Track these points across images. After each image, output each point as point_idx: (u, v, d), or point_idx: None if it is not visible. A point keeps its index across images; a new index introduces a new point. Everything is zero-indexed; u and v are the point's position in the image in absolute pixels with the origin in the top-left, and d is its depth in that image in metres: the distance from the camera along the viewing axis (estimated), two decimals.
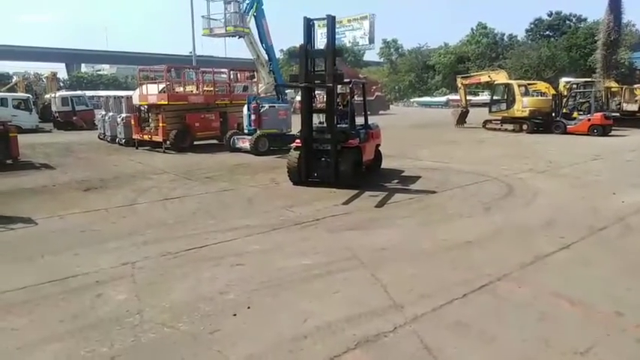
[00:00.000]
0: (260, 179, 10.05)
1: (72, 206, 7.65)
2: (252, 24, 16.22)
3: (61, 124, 25.14)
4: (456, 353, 3.32)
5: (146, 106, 15.78)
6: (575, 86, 21.08)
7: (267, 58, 16.61)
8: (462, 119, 23.94)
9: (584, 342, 3.42)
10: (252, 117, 14.12)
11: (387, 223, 6.62)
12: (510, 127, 20.91)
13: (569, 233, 5.93)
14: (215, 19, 16.94)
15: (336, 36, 9.23)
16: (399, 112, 42.06)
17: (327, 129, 8.98)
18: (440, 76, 58.56)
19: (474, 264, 4.95)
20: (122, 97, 18.12)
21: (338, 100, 9.38)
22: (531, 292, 4.26)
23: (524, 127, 20.40)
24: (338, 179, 8.76)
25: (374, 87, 41.62)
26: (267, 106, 14.61)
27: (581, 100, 20.29)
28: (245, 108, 14.66)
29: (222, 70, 18.47)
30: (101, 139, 18.56)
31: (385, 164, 11.06)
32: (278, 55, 23.72)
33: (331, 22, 8.77)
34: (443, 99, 49.95)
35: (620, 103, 23.13)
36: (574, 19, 55.00)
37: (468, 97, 25.94)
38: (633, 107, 22.59)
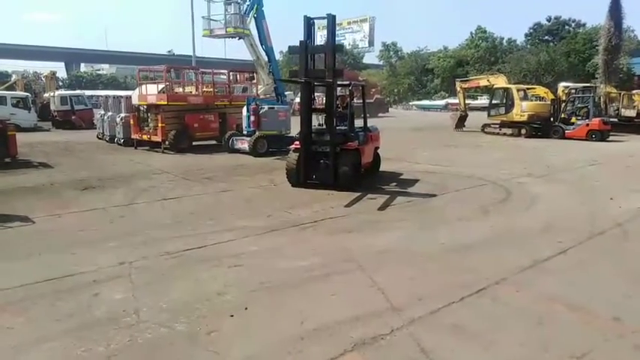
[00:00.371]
0: (259, 180, 10.05)
1: (70, 205, 7.65)
2: (252, 25, 16.23)
3: (60, 124, 25.11)
4: (452, 357, 3.31)
5: (145, 106, 15.76)
6: (573, 91, 21.12)
7: (266, 59, 16.61)
8: (460, 123, 23.98)
9: (582, 347, 3.42)
10: (252, 118, 14.13)
11: (386, 226, 6.62)
12: (509, 131, 20.95)
13: (567, 238, 5.94)
14: (215, 20, 16.95)
15: (336, 38, 9.22)
16: (398, 115, 42.11)
17: (327, 130, 8.98)
18: (439, 80, 58.62)
19: (472, 267, 4.95)
20: (121, 96, 18.11)
21: (337, 103, 9.39)
22: (529, 297, 4.25)
23: (523, 131, 20.44)
24: (337, 181, 8.76)
25: (373, 89, 41.73)
26: (266, 107, 14.62)
27: (579, 105, 20.33)
28: (244, 109, 14.67)
29: (222, 71, 18.47)
30: (100, 138, 18.54)
31: (384, 167, 11.06)
32: (278, 56, 23.72)
33: (331, 20, 8.76)
34: (442, 102, 50.00)
35: (618, 109, 23.20)
36: (573, 25, 55.21)
37: (467, 101, 25.98)
38: (631, 113, 22.66)
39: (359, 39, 74.51)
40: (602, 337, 3.58)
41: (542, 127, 20.24)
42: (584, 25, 53.56)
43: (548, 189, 9.25)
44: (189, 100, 15.75)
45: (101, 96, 25.69)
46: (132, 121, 15.97)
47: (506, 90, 21.74)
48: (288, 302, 4.12)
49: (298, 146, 9.06)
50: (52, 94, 27.00)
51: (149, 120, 15.71)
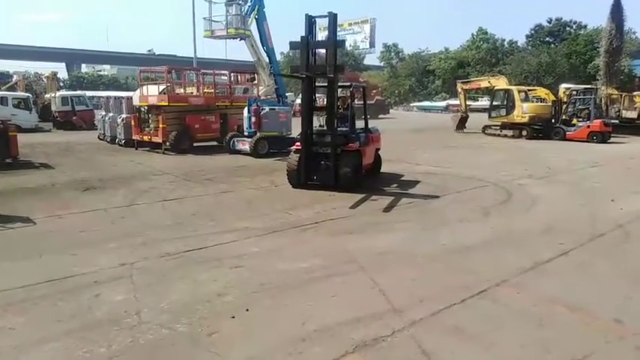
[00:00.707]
0: (259, 182, 10.05)
1: (71, 206, 7.65)
2: (253, 26, 16.24)
3: (61, 124, 25.13)
4: (453, 358, 3.31)
5: (146, 107, 15.77)
6: (574, 93, 21.12)
7: (267, 60, 16.62)
8: (461, 124, 23.97)
9: (583, 349, 3.42)
10: (253, 119, 14.14)
11: (387, 228, 6.62)
12: (510, 132, 20.94)
13: (568, 239, 5.94)
14: (216, 21, 16.96)
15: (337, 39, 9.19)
16: (399, 116, 42.11)
17: (328, 131, 8.97)
18: (440, 81, 58.69)
19: (473, 269, 4.95)
20: (122, 97, 18.14)
21: (338, 104, 9.39)
22: (530, 298, 4.25)
23: (524, 132, 20.44)
24: (337, 183, 8.76)
25: (374, 91, 41.79)
26: (267, 108, 14.64)
27: (580, 107, 20.33)
28: (245, 110, 14.67)
29: (223, 72, 18.49)
30: (101, 139, 18.56)
31: (385, 168, 11.07)
32: (279, 57, 23.74)
33: (332, 19, 8.73)
34: (443, 104, 50.05)
35: (619, 111, 23.20)
36: (574, 26, 55.26)
37: (468, 103, 25.98)
38: (632, 114, 22.65)
39: (360, 40, 74.61)
40: (603, 338, 3.58)
41: (543, 128, 20.24)
42: (585, 26, 53.66)
43: (549, 190, 9.25)
44: (190, 101, 15.77)
45: (102, 97, 25.76)
46: (133, 122, 15.98)
47: (507, 91, 21.74)
48: (289, 303, 4.12)
49: (299, 147, 9.06)
50: (53, 94, 27.04)
51: (150, 121, 15.72)
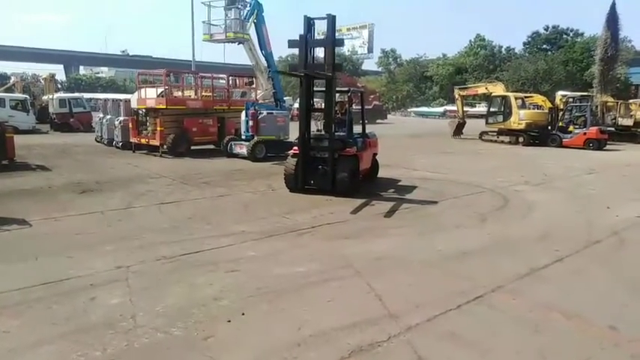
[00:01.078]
0: (257, 185, 10.05)
1: (67, 208, 7.63)
2: (252, 30, 16.29)
3: (58, 126, 25.07)
4: None
5: (144, 110, 15.76)
6: (571, 100, 21.26)
7: (266, 64, 16.66)
8: (458, 130, 24.06)
9: (578, 355, 3.43)
10: (250, 123, 14.14)
11: (383, 233, 6.63)
12: (507, 139, 21.05)
13: (564, 246, 5.96)
14: (215, 25, 17.01)
15: (335, 50, 9.17)
16: (397, 121, 42.20)
17: (325, 135, 8.98)
18: (437, 87, 58.88)
19: (469, 275, 4.96)
20: (120, 100, 18.12)
21: (336, 109, 9.40)
22: (526, 305, 4.26)
23: (521, 139, 20.54)
24: (334, 187, 8.77)
25: (372, 96, 41.80)
26: (265, 112, 14.64)
27: (577, 114, 20.47)
28: (243, 114, 14.68)
29: (221, 75, 18.51)
30: (98, 141, 18.52)
31: (382, 173, 11.08)
32: (277, 62, 23.77)
33: (331, 20, 8.73)
34: (440, 109, 50.16)
35: (615, 118, 23.35)
36: (571, 34, 55.67)
37: (465, 109, 26.09)
38: (628, 122, 22.80)
39: (358, 45, 74.71)
40: (599, 345, 3.59)
41: (539, 135, 20.34)
42: (582, 34, 54.08)
43: (545, 197, 9.28)
44: (188, 105, 15.75)
45: (100, 99, 25.68)
46: (130, 125, 15.95)
47: (504, 98, 21.85)
48: (285, 308, 4.12)
49: (297, 151, 9.07)
50: (50, 96, 26.99)
51: (148, 124, 15.70)
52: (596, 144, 18.76)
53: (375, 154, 10.72)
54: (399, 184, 10.50)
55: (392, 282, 4.74)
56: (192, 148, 15.58)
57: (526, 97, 23.55)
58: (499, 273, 4.99)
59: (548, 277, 4.97)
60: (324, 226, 6.81)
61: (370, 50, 74.31)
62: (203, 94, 16.51)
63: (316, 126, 9.67)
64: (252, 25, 16.15)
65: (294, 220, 7.15)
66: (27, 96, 26.37)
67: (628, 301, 4.40)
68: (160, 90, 15.22)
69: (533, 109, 21.92)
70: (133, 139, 15.89)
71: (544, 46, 56.33)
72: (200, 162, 13.78)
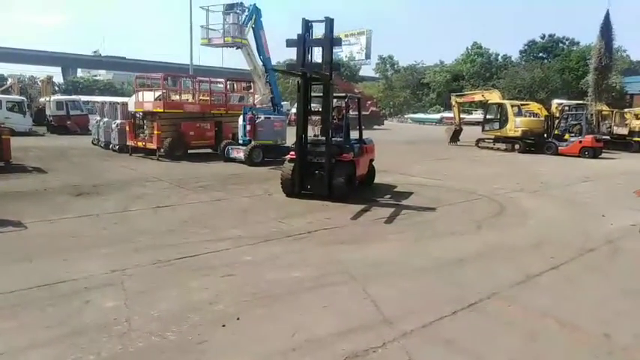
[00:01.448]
0: (253, 190, 10.05)
1: (63, 211, 7.61)
2: (250, 35, 16.35)
3: (55, 128, 25.06)
4: None
5: (141, 113, 15.76)
6: (567, 108, 21.42)
7: (263, 69, 16.71)
8: (455, 137, 24.17)
9: None
10: (248, 127, 14.16)
11: (379, 238, 6.64)
12: (503, 146, 21.16)
13: (559, 254, 5.98)
14: (214, 30, 17.06)
15: (333, 50, 9.17)
16: (394, 127, 42.33)
17: (322, 141, 8.99)
18: (434, 94, 59.20)
19: (464, 281, 4.97)
20: (118, 103, 18.15)
21: (333, 114, 9.43)
22: (521, 312, 4.28)
23: (517, 146, 20.66)
24: (331, 193, 8.78)
25: (369, 102, 41.95)
26: (262, 117, 14.67)
27: (572, 122, 20.59)
28: (240, 118, 14.70)
29: (219, 79, 18.54)
30: (95, 144, 18.51)
31: (378, 179, 11.11)
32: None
33: (329, 23, 8.73)
34: (437, 116, 50.43)
35: (610, 127, 23.54)
36: (567, 43, 56.15)
37: (462, 116, 26.22)
38: (623, 131, 23.00)
39: (356, 51, 75.02)
40: (592, 353, 3.61)
41: (535, 142, 20.47)
42: (577, 43, 54.58)
43: (540, 204, 9.32)
44: (185, 108, 15.78)
45: (97, 102, 25.70)
46: (127, 128, 15.96)
47: (500, 105, 22.01)
48: (280, 313, 4.12)
49: (293, 156, 9.08)
50: (47, 98, 26.97)
51: (145, 127, 15.70)
52: (592, 152, 18.88)
53: (371, 160, 10.75)
54: (396, 190, 10.52)
55: (387, 288, 4.74)
56: (190, 151, 15.58)
57: (522, 104, 23.71)
58: (494, 280, 5.01)
59: (543, 285, 4.99)
60: (320, 232, 6.81)
61: (368, 56, 74.67)
62: (201, 98, 16.54)
63: (313, 131, 9.69)
64: (251, 30, 16.21)
65: (290, 225, 7.15)
66: (24, 98, 26.35)
67: (622, 309, 4.42)
68: (157, 93, 15.24)
69: (530, 116, 22.06)
70: (130, 142, 15.88)
71: (540, 54, 56.79)
72: (197, 166, 13.78)
